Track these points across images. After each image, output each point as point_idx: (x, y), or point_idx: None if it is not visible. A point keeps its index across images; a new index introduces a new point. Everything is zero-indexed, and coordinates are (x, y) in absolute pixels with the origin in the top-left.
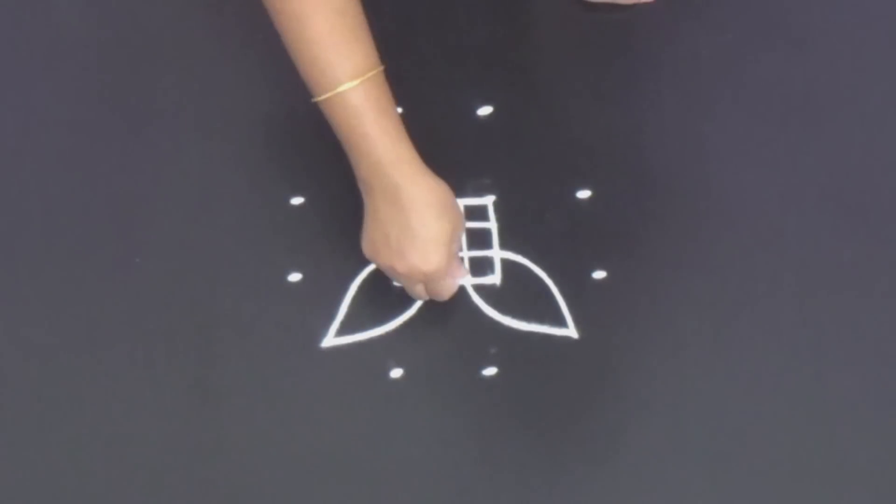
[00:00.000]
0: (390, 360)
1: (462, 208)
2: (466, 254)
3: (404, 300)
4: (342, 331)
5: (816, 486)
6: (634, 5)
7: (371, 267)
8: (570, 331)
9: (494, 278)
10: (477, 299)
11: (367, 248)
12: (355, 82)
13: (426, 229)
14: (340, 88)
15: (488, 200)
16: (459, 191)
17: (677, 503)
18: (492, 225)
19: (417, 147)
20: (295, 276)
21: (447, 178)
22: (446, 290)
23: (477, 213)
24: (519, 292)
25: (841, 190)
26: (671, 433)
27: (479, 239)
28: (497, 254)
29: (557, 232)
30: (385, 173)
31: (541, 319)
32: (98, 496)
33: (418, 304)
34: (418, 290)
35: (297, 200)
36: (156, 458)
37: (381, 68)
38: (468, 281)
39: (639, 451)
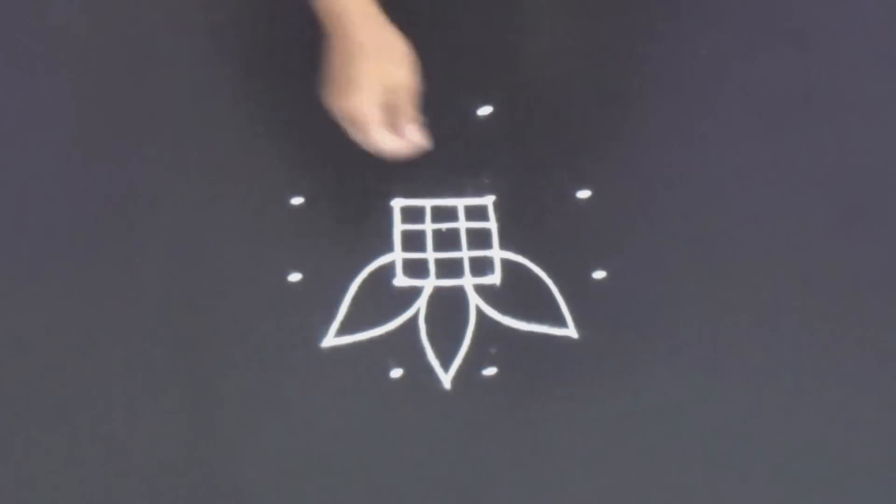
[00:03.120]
0: (390, 360)
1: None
2: (466, 254)
3: (404, 300)
4: (342, 331)
5: (817, 487)
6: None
7: (371, 267)
8: (570, 331)
9: (494, 278)
10: (477, 299)
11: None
12: None
13: (355, 69)
14: None
15: (488, 200)
16: (459, 191)
17: (677, 503)
18: (492, 225)
19: None
20: (295, 276)
21: (447, 178)
22: (372, 140)
23: (477, 213)
24: (519, 292)
25: (842, 190)
26: (671, 433)
27: (479, 239)
28: (497, 254)
29: (557, 232)
30: (336, 17)
31: (541, 319)
32: (97, 496)
33: (418, 304)
34: (351, 130)
35: (297, 200)
36: (155, 457)
37: None
38: (419, 141)
39: (639, 450)
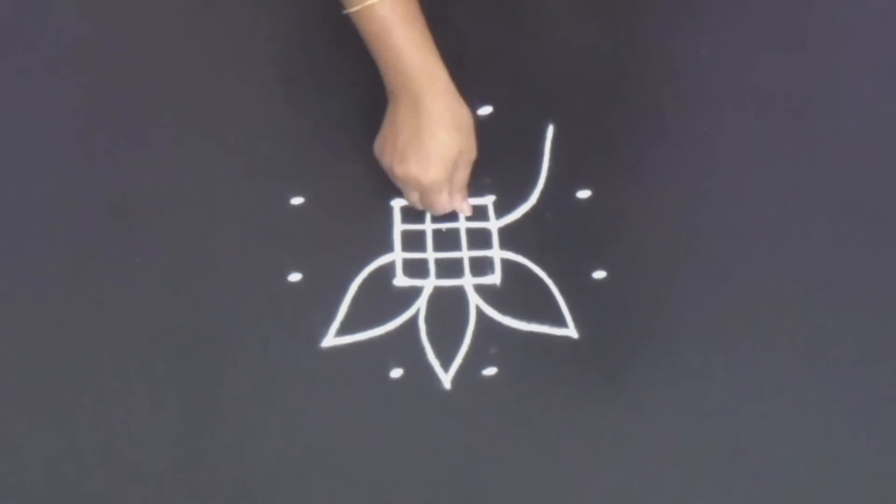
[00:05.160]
0: (390, 360)
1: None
2: (466, 254)
3: (404, 300)
4: (342, 331)
5: (816, 487)
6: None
7: (371, 267)
8: (570, 331)
9: (494, 278)
10: (477, 299)
11: (377, 146)
12: None
13: (433, 141)
14: (369, 1)
15: (488, 200)
16: None
17: (677, 503)
18: (492, 225)
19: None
20: (295, 276)
21: None
22: (438, 206)
23: (477, 213)
24: (519, 292)
25: (842, 190)
26: (671, 433)
27: (479, 239)
28: (497, 254)
29: (557, 232)
30: (409, 83)
31: (541, 319)
32: (97, 496)
33: (418, 304)
34: (413, 197)
35: (297, 200)
36: (155, 457)
37: None
38: (466, 211)
39: (638, 451)
